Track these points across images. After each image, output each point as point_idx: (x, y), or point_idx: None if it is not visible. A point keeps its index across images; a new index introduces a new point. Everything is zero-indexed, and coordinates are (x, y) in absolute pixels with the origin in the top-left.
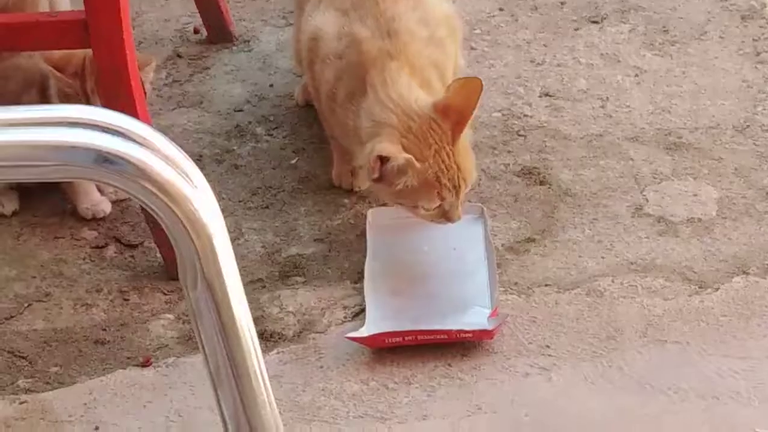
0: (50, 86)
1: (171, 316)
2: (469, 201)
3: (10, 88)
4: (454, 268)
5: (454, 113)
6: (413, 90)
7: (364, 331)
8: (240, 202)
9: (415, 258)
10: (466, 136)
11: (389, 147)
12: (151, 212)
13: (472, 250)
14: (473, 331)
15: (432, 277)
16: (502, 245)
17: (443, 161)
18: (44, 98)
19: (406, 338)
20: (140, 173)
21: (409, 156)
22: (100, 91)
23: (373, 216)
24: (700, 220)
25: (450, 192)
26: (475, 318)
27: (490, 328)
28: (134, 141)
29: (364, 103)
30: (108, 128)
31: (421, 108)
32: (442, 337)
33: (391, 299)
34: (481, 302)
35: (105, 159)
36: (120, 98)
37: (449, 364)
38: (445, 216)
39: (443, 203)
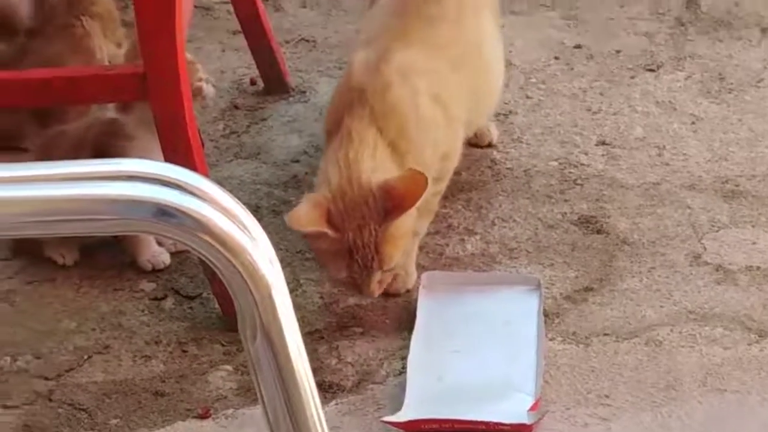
0: (116, 143)
1: (230, 368)
2: (527, 270)
3: (57, 156)
4: (503, 346)
5: (395, 198)
6: (375, 156)
7: (401, 416)
8: (297, 252)
9: (465, 329)
10: (405, 222)
11: (305, 215)
12: (209, 264)
13: (524, 326)
14: (512, 425)
15: (479, 353)
16: (560, 294)
17: (362, 239)
18: (101, 157)
19: (443, 426)
20: (199, 226)
21: (320, 229)
22: (161, 144)
23: (428, 279)
24: (758, 268)
25: (360, 270)
26: (516, 406)
27: (528, 423)
28: (193, 194)
29: (328, 148)
30: (167, 181)
31: (367, 180)
32: (480, 427)
33: (433, 381)
34: (525, 388)
35: (164, 212)
36: (178, 151)
37: None
38: (356, 289)
39: (354, 276)
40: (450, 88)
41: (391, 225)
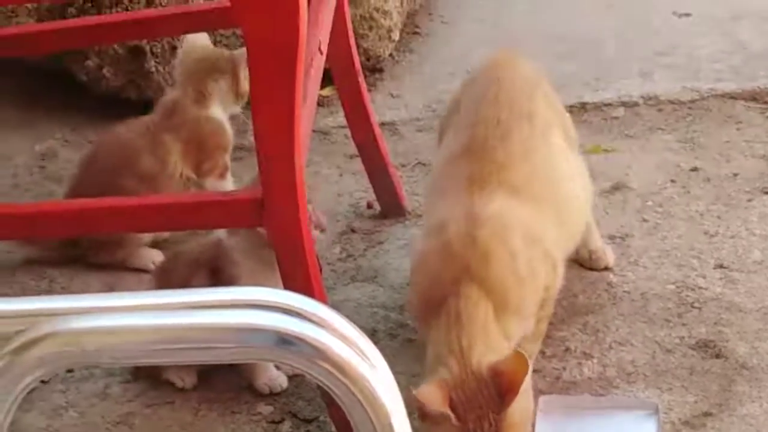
0: (225, 267)
1: None
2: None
3: (174, 281)
4: None
5: (505, 383)
6: (487, 336)
7: None
8: (413, 376)
9: None
10: (523, 406)
11: (433, 395)
12: (329, 391)
13: None
14: None
15: None
16: (679, 419)
17: (482, 428)
18: (216, 279)
19: None
20: (318, 354)
21: (447, 412)
22: (280, 269)
23: (545, 404)
24: None
25: None
26: None
27: None
28: (312, 321)
29: (435, 328)
30: (286, 309)
31: (479, 365)
32: None
33: None
34: None
35: (284, 340)
36: (297, 277)
37: None
38: None
39: None
40: (539, 226)
41: (508, 413)
